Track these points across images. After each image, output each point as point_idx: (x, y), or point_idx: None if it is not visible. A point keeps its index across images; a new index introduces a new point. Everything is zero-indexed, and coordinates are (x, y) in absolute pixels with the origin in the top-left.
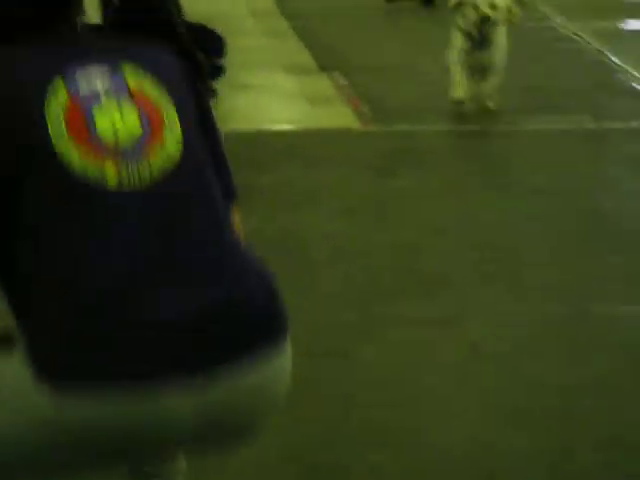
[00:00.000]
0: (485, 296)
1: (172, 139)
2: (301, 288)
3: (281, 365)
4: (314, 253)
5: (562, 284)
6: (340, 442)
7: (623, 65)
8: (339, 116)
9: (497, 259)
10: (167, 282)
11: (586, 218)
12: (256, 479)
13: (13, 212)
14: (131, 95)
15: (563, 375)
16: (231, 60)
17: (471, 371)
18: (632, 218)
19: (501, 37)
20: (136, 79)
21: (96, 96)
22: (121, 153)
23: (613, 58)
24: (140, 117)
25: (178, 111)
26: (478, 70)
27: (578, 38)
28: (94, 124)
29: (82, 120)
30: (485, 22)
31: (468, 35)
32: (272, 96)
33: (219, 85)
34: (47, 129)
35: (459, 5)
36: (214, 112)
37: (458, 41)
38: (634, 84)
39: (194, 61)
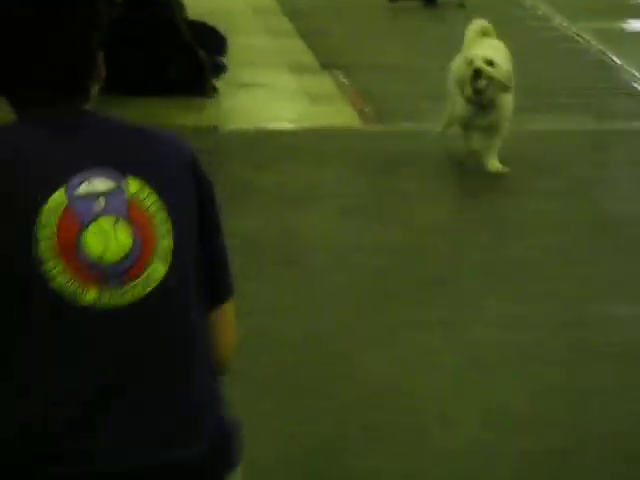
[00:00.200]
0: (489, 298)
1: (159, 267)
2: (299, 290)
3: None
4: (313, 252)
5: (563, 286)
6: (339, 445)
7: (625, 66)
8: (340, 115)
9: (498, 261)
10: (114, 423)
11: (587, 219)
12: None
13: None
14: (129, 216)
15: (565, 378)
16: (233, 58)
17: (471, 374)
18: (633, 219)
19: (506, 101)
20: (139, 198)
21: (94, 212)
22: (104, 276)
23: (615, 59)
24: (133, 241)
25: (175, 236)
26: (483, 129)
27: (580, 38)
28: (84, 243)
29: (72, 237)
30: (479, 77)
31: (468, 100)
32: (273, 94)
33: (220, 83)
34: (35, 242)
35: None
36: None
37: (454, 107)
38: (635, 85)
39: (195, 58)
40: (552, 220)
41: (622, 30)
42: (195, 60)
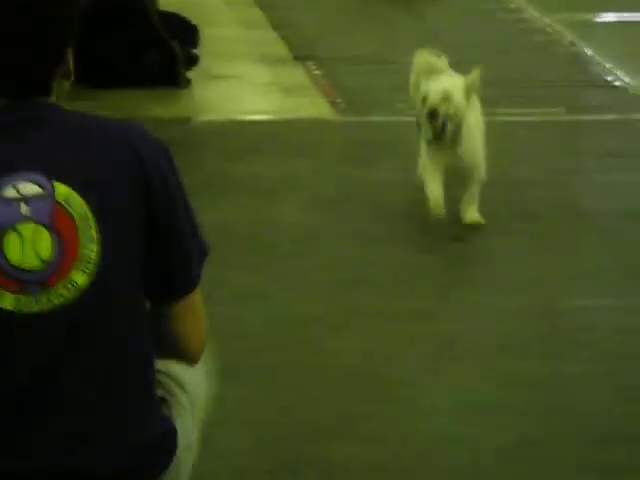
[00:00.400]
0: (460, 289)
1: (80, 276)
2: (273, 279)
3: None
4: (287, 243)
5: (535, 277)
6: (312, 435)
7: (597, 57)
8: (313, 106)
9: (473, 252)
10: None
11: (559, 210)
12: (230, 473)
13: None
14: (52, 223)
15: (537, 369)
16: (205, 50)
17: (443, 365)
18: (605, 210)
19: (470, 131)
20: (65, 204)
21: (16, 217)
22: (22, 282)
23: (587, 51)
24: (54, 248)
25: (102, 241)
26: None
27: (551, 30)
28: (4, 248)
29: None
30: (435, 118)
31: (429, 141)
32: (246, 86)
33: (193, 74)
34: None
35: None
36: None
37: (423, 150)
38: (608, 77)
39: (168, 50)
40: (525, 210)
41: (594, 22)
42: (168, 51)
